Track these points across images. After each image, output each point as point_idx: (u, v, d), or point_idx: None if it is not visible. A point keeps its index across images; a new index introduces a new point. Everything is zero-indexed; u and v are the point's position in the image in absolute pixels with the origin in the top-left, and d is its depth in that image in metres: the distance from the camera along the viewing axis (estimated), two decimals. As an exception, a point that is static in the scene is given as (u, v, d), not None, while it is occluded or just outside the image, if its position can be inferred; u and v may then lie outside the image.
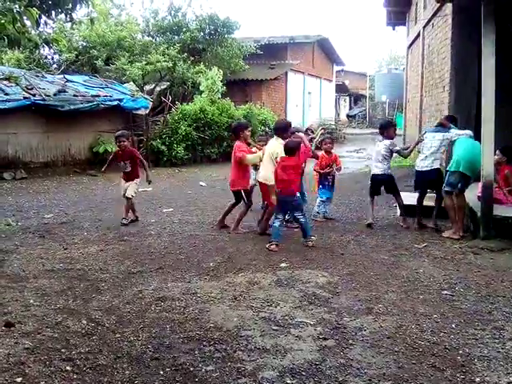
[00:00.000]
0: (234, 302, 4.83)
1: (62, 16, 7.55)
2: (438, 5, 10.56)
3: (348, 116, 46.58)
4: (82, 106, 14.47)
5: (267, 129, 18.54)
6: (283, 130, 7.44)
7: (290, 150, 6.87)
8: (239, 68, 22.91)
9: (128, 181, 8.43)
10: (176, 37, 21.48)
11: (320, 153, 8.57)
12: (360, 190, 11.31)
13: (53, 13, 7.14)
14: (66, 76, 16.56)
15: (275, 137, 7.49)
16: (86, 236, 7.47)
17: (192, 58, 20.15)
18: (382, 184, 8.07)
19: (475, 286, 5.28)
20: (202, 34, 21.73)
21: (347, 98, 48.46)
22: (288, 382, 3.41)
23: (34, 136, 14.19)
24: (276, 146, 7.28)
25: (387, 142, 7.89)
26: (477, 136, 7.24)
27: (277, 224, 6.84)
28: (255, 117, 19.53)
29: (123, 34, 19.88)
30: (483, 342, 3.97)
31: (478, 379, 3.42)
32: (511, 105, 8.91)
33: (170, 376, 3.49)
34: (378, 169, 7.99)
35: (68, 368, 3.57)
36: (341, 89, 42.10)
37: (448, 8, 9.84)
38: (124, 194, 8.40)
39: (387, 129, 8.07)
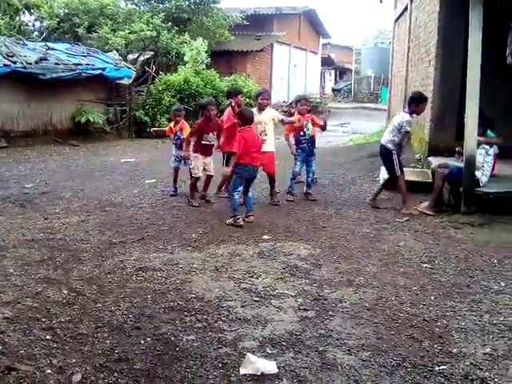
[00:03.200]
0: (216, 273, 4.84)
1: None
2: (426, -22, 10.47)
3: (333, 90, 46.44)
4: (63, 74, 14.18)
5: (252, 101, 18.39)
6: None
7: (248, 119, 6.78)
8: (224, 39, 22.61)
9: (207, 155, 7.79)
10: (160, 5, 21.09)
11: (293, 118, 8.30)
12: (343, 163, 11.35)
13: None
14: (48, 44, 16.19)
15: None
16: (67, 206, 7.40)
17: (176, 28, 19.81)
18: (380, 154, 7.79)
19: (455, 259, 5.35)
20: (187, 2, 21.32)
21: (333, 72, 48.19)
22: (268, 351, 3.44)
23: (14, 104, 13.90)
24: (271, 112, 7.73)
25: (406, 116, 7.34)
26: (461, 112, 7.24)
27: (236, 196, 6.71)
28: (239, 88, 19.35)
29: (106, 1, 19.44)
30: (461, 315, 4.03)
31: (455, 350, 3.48)
32: (497, 81, 8.94)
33: (150, 345, 3.50)
34: (383, 138, 7.72)
35: (48, 337, 3.57)
36: (326, 62, 41.82)
37: (436, -19, 9.74)
38: (202, 173, 7.82)
39: (418, 103, 7.35)
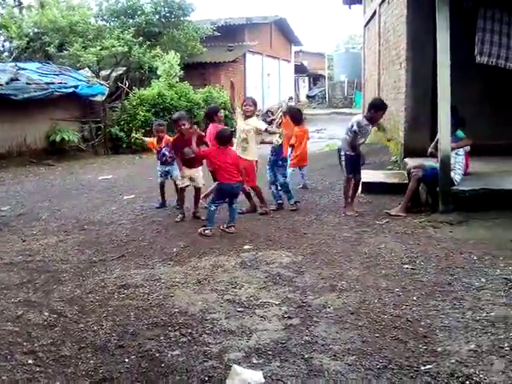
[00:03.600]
0: (199, 286, 4.81)
1: (10, 0, 7.28)
2: (392, -18, 10.62)
3: (308, 96, 46.68)
4: (36, 94, 14.03)
5: (227, 112, 18.42)
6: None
7: (225, 140, 6.80)
8: (197, 51, 22.61)
9: (192, 167, 7.52)
10: (131, 20, 21.05)
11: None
12: (321, 169, 11.39)
13: (-1, -3, 6.89)
14: (18, 64, 16.04)
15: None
16: (45, 227, 7.31)
17: (148, 42, 19.80)
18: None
19: (435, 258, 5.39)
20: (157, 16, 21.35)
21: (306, 79, 48.52)
22: (254, 361, 3.43)
23: (-14, 126, 13.73)
24: (254, 121, 7.56)
25: (358, 117, 7.53)
26: (434, 113, 7.34)
27: (213, 208, 6.74)
28: (215, 100, 19.40)
29: (76, 18, 19.35)
30: (444, 313, 4.06)
31: (439, 349, 3.50)
32: (468, 80, 9.08)
33: (135, 363, 3.46)
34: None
35: (30, 361, 3.51)
36: (300, 69, 42.11)
37: (402, -15, 9.89)
38: (189, 184, 7.61)
39: (377, 109, 7.36)
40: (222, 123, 8.53)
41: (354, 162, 7.46)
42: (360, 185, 7.94)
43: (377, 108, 7.39)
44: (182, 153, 7.42)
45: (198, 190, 7.70)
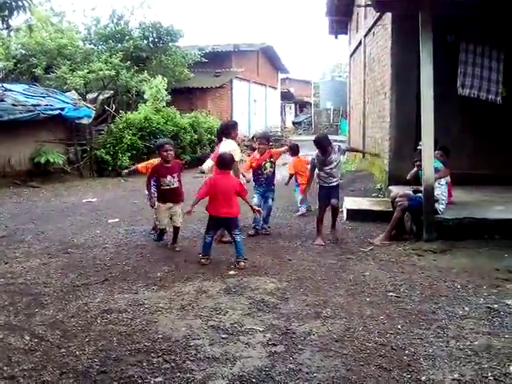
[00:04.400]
0: (182, 312, 4.77)
1: (-1, 23, 7.31)
2: (378, 14, 10.85)
3: (294, 123, 47.09)
4: (21, 115, 14.02)
5: (213, 137, 18.50)
6: (232, 128, 7.75)
7: (227, 163, 6.58)
8: (184, 76, 22.77)
9: (175, 202, 7.14)
10: (119, 45, 21.15)
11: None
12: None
13: (-12, 19, 6.92)
14: (5, 85, 16.00)
15: (224, 138, 7.64)
16: (28, 249, 7.23)
17: (136, 67, 19.90)
18: None
19: (419, 286, 5.42)
20: (145, 41, 21.50)
21: (292, 105, 49.01)
22: (238, 389, 3.40)
23: (-30, 147, 13.64)
24: (231, 145, 7.44)
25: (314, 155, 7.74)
26: (419, 141, 7.46)
27: (208, 240, 6.48)
28: (201, 125, 19.50)
29: (64, 41, 19.40)
30: (428, 341, 4.07)
31: (423, 378, 3.50)
32: (450, 111, 9.27)
33: (117, 390, 3.41)
34: None
35: (10, 387, 3.44)
36: (286, 96, 42.56)
37: (387, 17, 10.10)
38: (168, 223, 7.22)
39: (318, 143, 7.50)
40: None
41: (320, 189, 7.66)
42: (343, 211, 8.03)
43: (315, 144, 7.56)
44: (161, 182, 7.03)
45: (176, 229, 7.21)
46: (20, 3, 6.83)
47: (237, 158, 7.28)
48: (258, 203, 8.01)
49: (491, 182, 9.42)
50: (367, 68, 13.90)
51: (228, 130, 7.75)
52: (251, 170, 8.26)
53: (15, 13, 6.89)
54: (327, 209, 7.66)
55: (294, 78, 46.14)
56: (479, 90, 8.41)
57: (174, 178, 7.08)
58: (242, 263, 6.24)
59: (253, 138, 25.87)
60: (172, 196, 7.12)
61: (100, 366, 3.73)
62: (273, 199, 8.30)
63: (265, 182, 8.17)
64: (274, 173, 8.26)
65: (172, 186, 7.06)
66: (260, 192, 8.17)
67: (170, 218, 7.19)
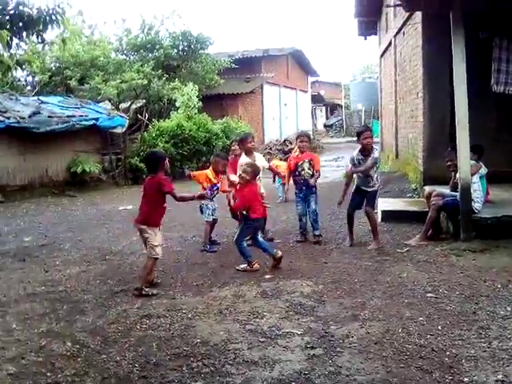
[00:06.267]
0: (220, 316, 4.80)
1: (34, 37, 7.47)
2: (408, 14, 10.73)
3: (325, 126, 46.94)
4: (57, 126, 14.37)
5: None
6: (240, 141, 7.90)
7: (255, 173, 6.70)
8: (214, 83, 22.94)
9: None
10: (150, 54, 21.46)
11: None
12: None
13: (24, 34, 7.08)
14: (41, 97, 16.44)
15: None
16: (67, 257, 7.37)
17: (167, 75, 20.14)
18: None
19: (459, 287, 5.33)
20: (175, 50, 21.73)
21: (323, 108, 48.86)
22: (278, 393, 3.40)
23: (9, 159, 13.99)
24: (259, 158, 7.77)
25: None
26: (453, 141, 7.35)
27: (245, 244, 6.54)
28: (233, 131, 19.59)
29: (96, 53, 19.81)
30: (470, 342, 4.00)
31: (466, 379, 3.44)
32: (485, 109, 9.08)
33: (158, 394, 3.45)
34: None
35: (54, 392, 3.51)
36: (316, 99, 42.47)
37: (418, 16, 9.98)
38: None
39: (357, 137, 7.30)
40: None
41: (355, 194, 7.58)
42: (378, 214, 7.90)
43: (358, 135, 7.29)
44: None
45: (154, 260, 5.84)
46: (54, 17, 6.96)
47: (264, 164, 7.88)
48: (302, 211, 7.79)
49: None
50: (398, 68, 13.76)
51: (241, 143, 7.86)
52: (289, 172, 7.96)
53: (49, 27, 7.03)
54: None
55: (323, 81, 45.97)
56: (514, 86, 8.25)
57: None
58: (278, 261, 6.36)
59: (284, 141, 25.88)
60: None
61: (140, 371, 3.78)
62: (316, 202, 7.83)
63: (303, 185, 7.75)
64: (312, 176, 7.74)
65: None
66: (301, 197, 7.80)
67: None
